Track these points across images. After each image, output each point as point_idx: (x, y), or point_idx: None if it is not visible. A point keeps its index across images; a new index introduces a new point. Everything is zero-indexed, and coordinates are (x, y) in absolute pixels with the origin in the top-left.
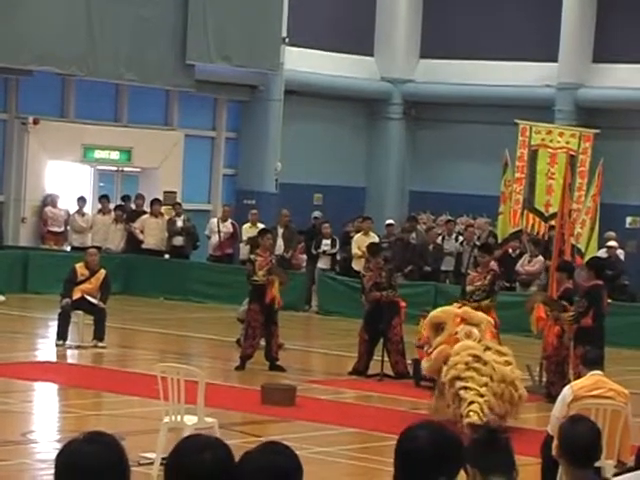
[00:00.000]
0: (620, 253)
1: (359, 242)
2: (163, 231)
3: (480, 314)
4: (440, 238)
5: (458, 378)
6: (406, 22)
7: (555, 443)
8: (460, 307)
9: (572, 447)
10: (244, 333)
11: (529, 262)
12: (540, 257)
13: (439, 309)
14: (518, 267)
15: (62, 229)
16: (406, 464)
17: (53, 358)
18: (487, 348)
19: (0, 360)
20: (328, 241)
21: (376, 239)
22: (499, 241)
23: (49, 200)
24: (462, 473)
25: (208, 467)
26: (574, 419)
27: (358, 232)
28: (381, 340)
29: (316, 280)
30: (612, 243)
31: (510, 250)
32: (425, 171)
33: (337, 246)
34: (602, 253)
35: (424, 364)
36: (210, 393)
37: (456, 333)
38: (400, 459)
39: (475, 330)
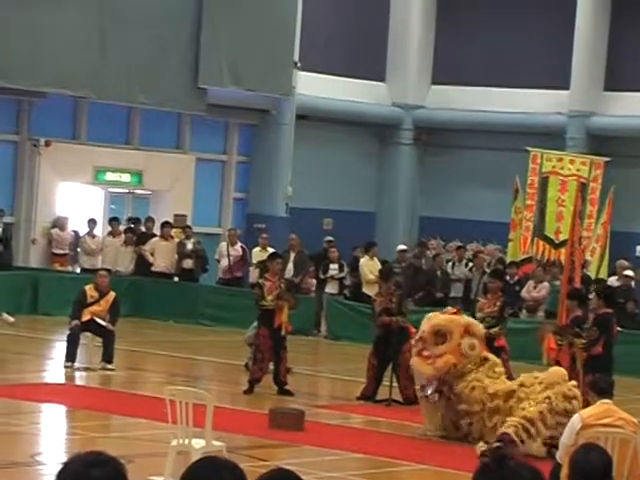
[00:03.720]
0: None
1: (370, 267)
2: (173, 254)
3: (480, 325)
4: (450, 264)
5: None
6: (418, 48)
7: (565, 471)
8: (453, 313)
9: (584, 475)
10: (253, 357)
11: (534, 288)
12: (545, 283)
13: (445, 317)
14: (524, 293)
15: (67, 251)
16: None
17: (62, 380)
18: (485, 359)
19: (9, 381)
20: (336, 265)
21: (378, 264)
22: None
23: (57, 223)
24: None
25: None
26: (587, 447)
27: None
28: (390, 365)
29: (324, 305)
30: (629, 272)
31: (508, 277)
32: (435, 197)
33: (345, 271)
34: (612, 281)
35: (422, 367)
36: (218, 417)
37: (459, 344)
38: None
39: (477, 342)
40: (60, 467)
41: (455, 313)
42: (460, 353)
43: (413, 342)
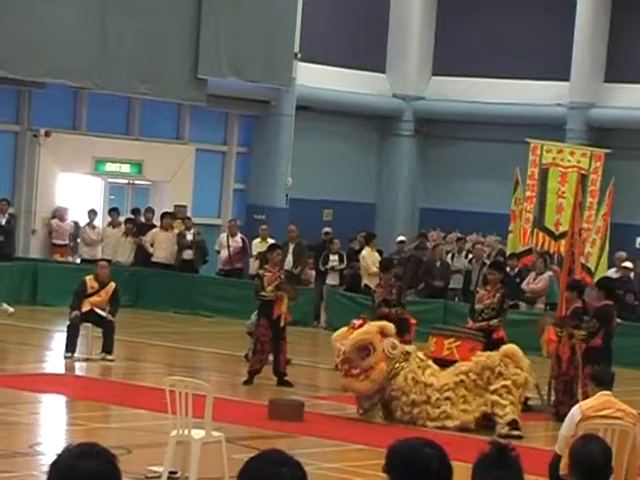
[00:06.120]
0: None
1: (372, 258)
2: (173, 245)
3: (385, 322)
4: (450, 255)
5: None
6: (419, 39)
7: (564, 462)
8: (361, 325)
9: (584, 466)
10: (252, 348)
11: (534, 280)
12: (545, 275)
13: (360, 331)
14: (524, 285)
15: (67, 242)
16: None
17: (61, 370)
18: (407, 352)
19: (9, 372)
20: (336, 257)
21: (377, 255)
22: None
23: (57, 213)
24: None
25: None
26: (586, 438)
27: (362, 247)
28: None
29: (324, 296)
30: (627, 264)
31: (508, 269)
32: (435, 188)
33: (345, 262)
34: (611, 273)
35: (357, 385)
36: (218, 407)
37: (383, 350)
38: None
39: (395, 340)
40: (52, 460)
41: (362, 324)
42: (387, 357)
43: (337, 365)
